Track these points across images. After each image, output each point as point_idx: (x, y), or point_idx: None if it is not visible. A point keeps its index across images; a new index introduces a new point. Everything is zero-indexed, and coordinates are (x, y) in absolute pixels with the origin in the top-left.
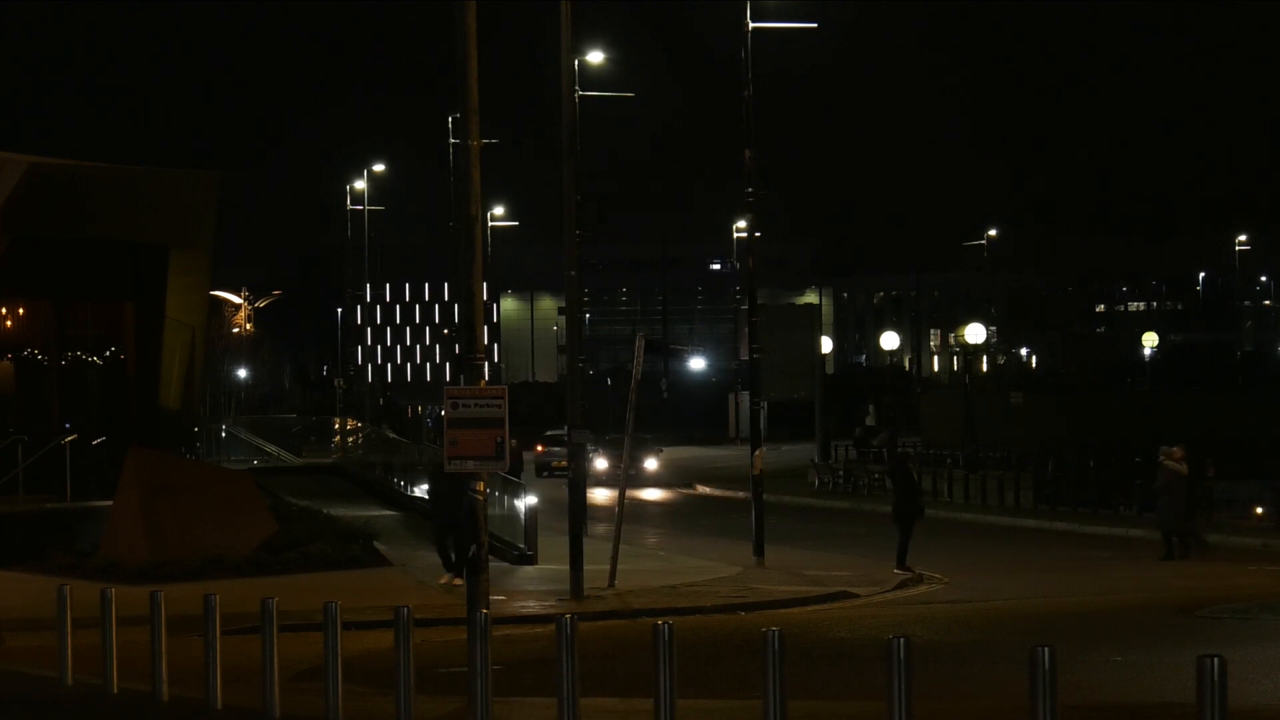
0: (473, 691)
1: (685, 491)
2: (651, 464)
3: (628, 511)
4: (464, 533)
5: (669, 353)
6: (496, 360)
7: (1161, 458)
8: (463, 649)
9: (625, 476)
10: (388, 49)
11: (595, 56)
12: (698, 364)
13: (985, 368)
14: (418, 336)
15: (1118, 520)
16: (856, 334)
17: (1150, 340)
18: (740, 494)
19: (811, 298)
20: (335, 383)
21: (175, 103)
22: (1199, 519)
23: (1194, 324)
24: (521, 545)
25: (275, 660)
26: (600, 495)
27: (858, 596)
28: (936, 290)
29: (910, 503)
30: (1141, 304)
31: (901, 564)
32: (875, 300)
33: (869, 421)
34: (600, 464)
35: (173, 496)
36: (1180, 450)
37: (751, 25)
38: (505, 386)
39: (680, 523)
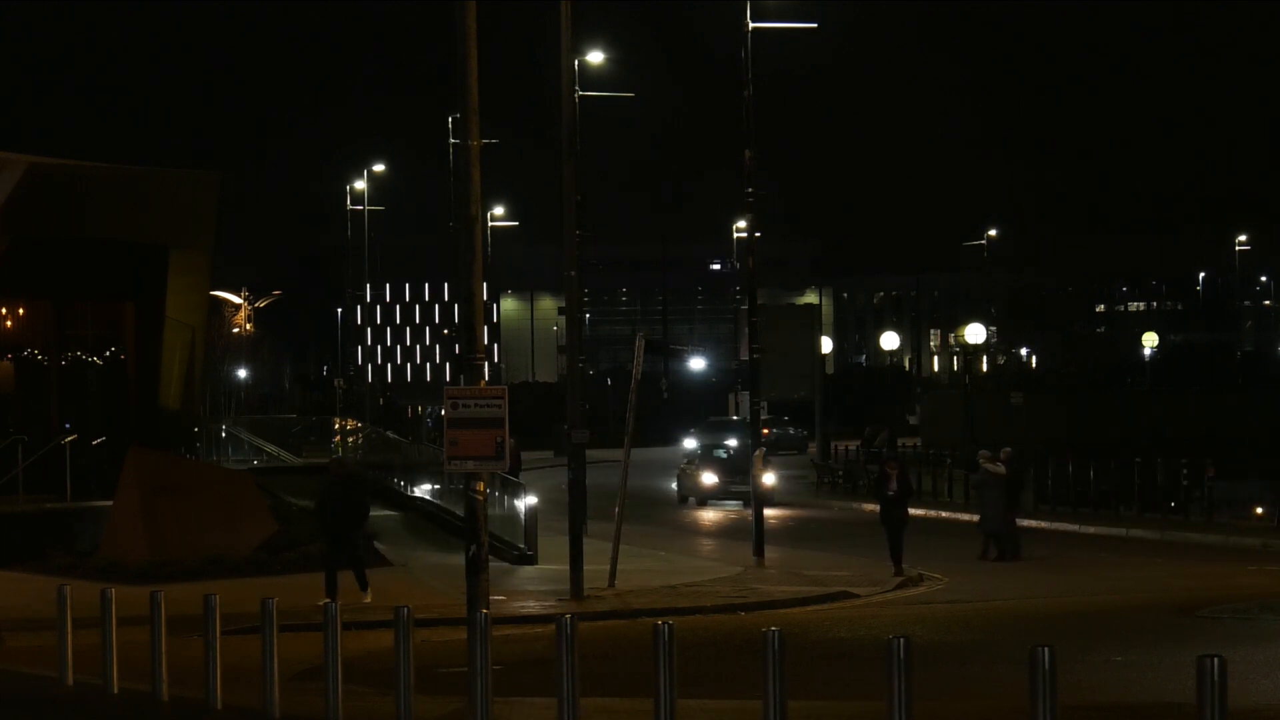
0: (473, 691)
1: (812, 511)
2: (770, 479)
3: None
4: (350, 546)
5: (669, 353)
6: (496, 360)
7: (981, 460)
8: (463, 649)
9: (625, 476)
10: (388, 49)
11: (595, 56)
12: (698, 364)
13: (985, 368)
14: (418, 336)
15: (1118, 520)
16: (856, 334)
17: (1150, 340)
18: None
19: (811, 298)
20: (335, 383)
21: (175, 103)
22: (1016, 526)
23: (1194, 324)
24: (521, 545)
25: (275, 660)
26: (709, 515)
27: (858, 596)
28: (936, 290)
29: (888, 507)
30: (1141, 304)
31: (898, 568)
32: (875, 300)
33: (914, 421)
34: (708, 479)
35: (173, 496)
36: (1007, 453)
37: (751, 25)
38: (505, 386)
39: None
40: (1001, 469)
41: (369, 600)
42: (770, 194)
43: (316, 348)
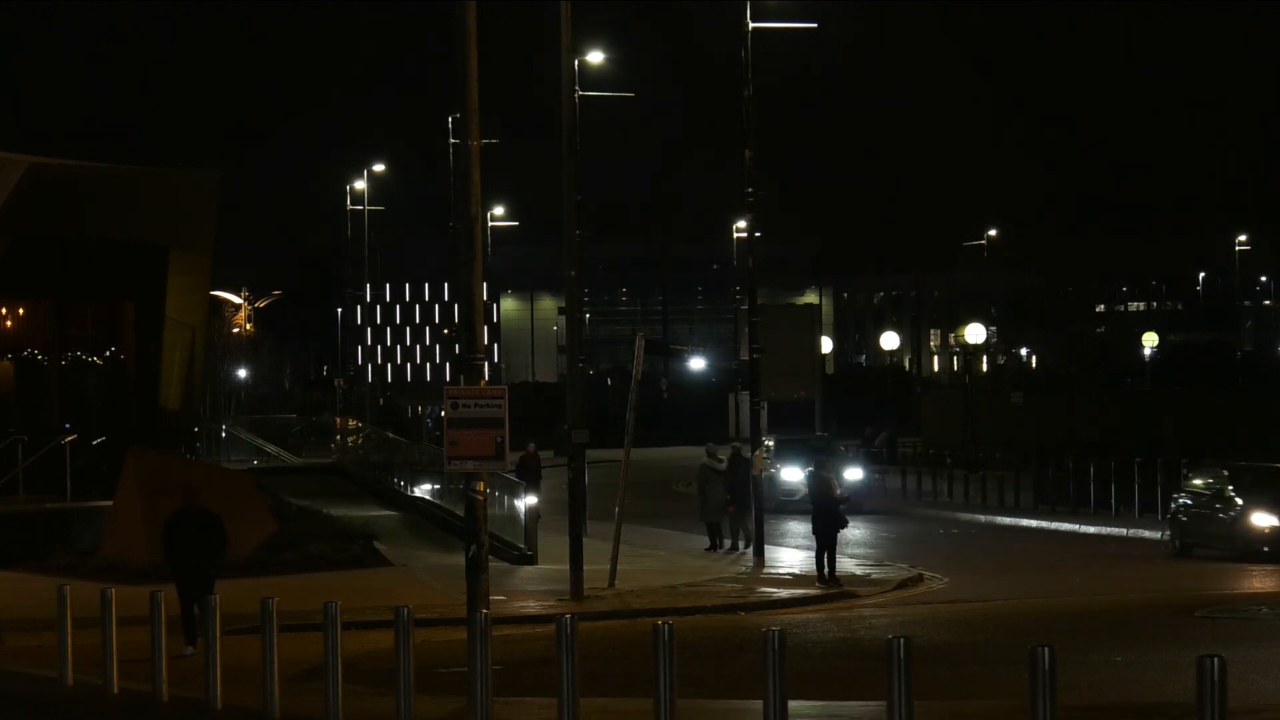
0: (473, 691)
1: None
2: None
3: None
4: (203, 580)
5: (669, 353)
6: (496, 360)
7: (705, 456)
8: (463, 649)
9: (625, 476)
10: (388, 49)
11: (595, 56)
12: (698, 364)
13: (985, 368)
14: (418, 336)
15: (1117, 520)
16: (856, 334)
17: (1150, 340)
18: None
19: (811, 298)
20: (335, 383)
21: (175, 103)
22: (739, 517)
23: (1194, 324)
24: (521, 545)
25: (275, 660)
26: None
27: (858, 596)
28: (936, 290)
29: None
30: (1141, 304)
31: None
32: (875, 300)
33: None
34: (1263, 520)
35: (173, 497)
36: (733, 449)
37: (751, 25)
38: (505, 387)
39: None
40: (722, 463)
41: (191, 652)
42: (770, 194)
43: (317, 348)
